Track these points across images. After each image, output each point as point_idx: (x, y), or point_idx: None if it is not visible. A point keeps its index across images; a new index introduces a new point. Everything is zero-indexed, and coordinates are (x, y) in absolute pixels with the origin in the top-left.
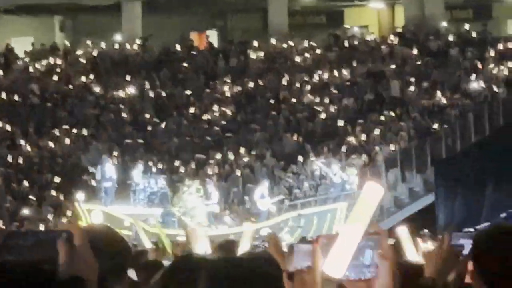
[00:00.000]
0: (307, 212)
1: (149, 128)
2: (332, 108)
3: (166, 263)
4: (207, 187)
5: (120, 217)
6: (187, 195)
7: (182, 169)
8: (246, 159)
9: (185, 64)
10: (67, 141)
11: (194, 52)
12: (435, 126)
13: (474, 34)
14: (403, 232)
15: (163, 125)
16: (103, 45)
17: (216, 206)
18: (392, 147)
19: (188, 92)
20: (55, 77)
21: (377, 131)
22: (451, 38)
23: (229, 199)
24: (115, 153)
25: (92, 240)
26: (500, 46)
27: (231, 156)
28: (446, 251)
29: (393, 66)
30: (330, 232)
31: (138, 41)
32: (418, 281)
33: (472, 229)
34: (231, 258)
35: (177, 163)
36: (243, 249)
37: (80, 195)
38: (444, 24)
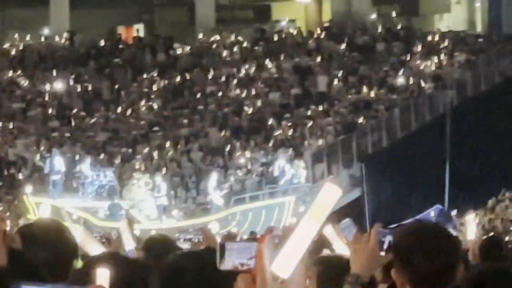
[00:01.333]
0: (255, 206)
1: (76, 122)
2: (259, 103)
3: None
4: (156, 180)
5: (68, 211)
6: (136, 188)
7: (109, 163)
8: (171, 154)
9: (112, 58)
10: None
11: (121, 46)
12: (362, 121)
13: (400, 29)
14: (328, 230)
15: (90, 119)
16: (30, 38)
17: (165, 198)
18: (318, 142)
19: (115, 86)
20: None
21: (303, 126)
22: (378, 33)
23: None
24: (41, 147)
25: (40, 234)
26: (427, 41)
27: (157, 151)
28: (372, 247)
29: (320, 61)
30: (279, 224)
31: (65, 35)
32: (345, 277)
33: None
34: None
35: (103, 157)
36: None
37: (28, 188)
38: (371, 18)
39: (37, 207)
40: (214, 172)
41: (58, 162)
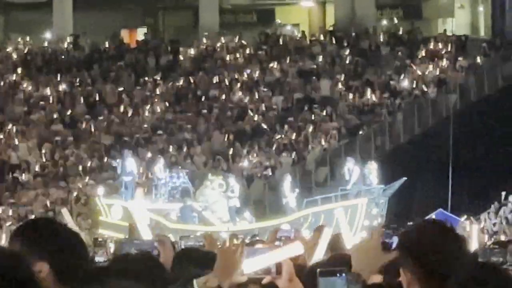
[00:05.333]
0: (327, 208)
1: (79, 125)
2: (262, 107)
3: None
4: (229, 181)
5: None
6: (210, 190)
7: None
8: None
9: (116, 62)
10: None
11: (125, 50)
12: (364, 125)
13: (404, 33)
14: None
15: (93, 123)
16: (33, 42)
17: (237, 200)
18: (321, 145)
19: (119, 89)
20: None
21: (307, 130)
22: (381, 37)
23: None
24: (44, 151)
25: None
26: (430, 46)
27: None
28: (374, 246)
29: (324, 65)
30: (351, 227)
31: (69, 39)
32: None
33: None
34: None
35: (106, 160)
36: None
37: (100, 190)
38: (375, 23)
39: (109, 208)
40: (288, 175)
41: (130, 163)
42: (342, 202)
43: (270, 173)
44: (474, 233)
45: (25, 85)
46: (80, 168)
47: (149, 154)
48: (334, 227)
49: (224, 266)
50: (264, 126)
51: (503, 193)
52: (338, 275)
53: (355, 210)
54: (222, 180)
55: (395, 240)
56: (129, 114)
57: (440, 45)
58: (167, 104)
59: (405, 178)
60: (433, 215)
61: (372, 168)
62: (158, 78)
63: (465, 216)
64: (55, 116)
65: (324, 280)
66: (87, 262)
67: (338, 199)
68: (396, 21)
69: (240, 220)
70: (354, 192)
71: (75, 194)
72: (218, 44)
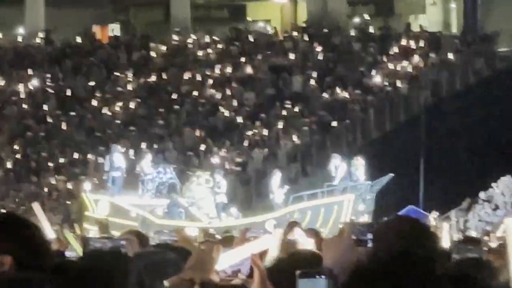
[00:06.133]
0: (313, 204)
1: (51, 121)
2: (234, 103)
3: (69, 254)
4: (216, 176)
5: (126, 208)
6: (196, 186)
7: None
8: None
9: (87, 58)
10: None
11: (96, 45)
12: (336, 121)
13: (376, 30)
14: (297, 233)
15: (65, 118)
16: (5, 37)
17: (224, 196)
18: (293, 142)
19: (91, 85)
20: None
21: (278, 126)
22: (353, 33)
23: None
24: (16, 146)
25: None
26: (402, 42)
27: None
28: (345, 241)
29: (295, 61)
30: (337, 224)
31: (41, 34)
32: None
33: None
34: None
35: (78, 156)
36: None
37: (87, 185)
38: (346, 19)
39: (96, 204)
40: (278, 171)
41: (118, 158)
42: (328, 198)
43: (241, 169)
44: (445, 230)
45: None
46: (52, 163)
47: (121, 149)
48: (320, 224)
49: (200, 265)
50: (236, 122)
51: (474, 192)
52: (317, 276)
53: (342, 206)
54: (209, 176)
55: (370, 237)
56: (101, 109)
57: (412, 42)
58: (138, 99)
59: (392, 174)
60: (403, 212)
61: (359, 164)
62: (130, 74)
63: (437, 213)
64: (26, 111)
65: (303, 282)
66: (51, 257)
67: (325, 195)
68: (368, 17)
69: (227, 216)
70: (341, 188)
71: (46, 189)
72: (190, 40)
